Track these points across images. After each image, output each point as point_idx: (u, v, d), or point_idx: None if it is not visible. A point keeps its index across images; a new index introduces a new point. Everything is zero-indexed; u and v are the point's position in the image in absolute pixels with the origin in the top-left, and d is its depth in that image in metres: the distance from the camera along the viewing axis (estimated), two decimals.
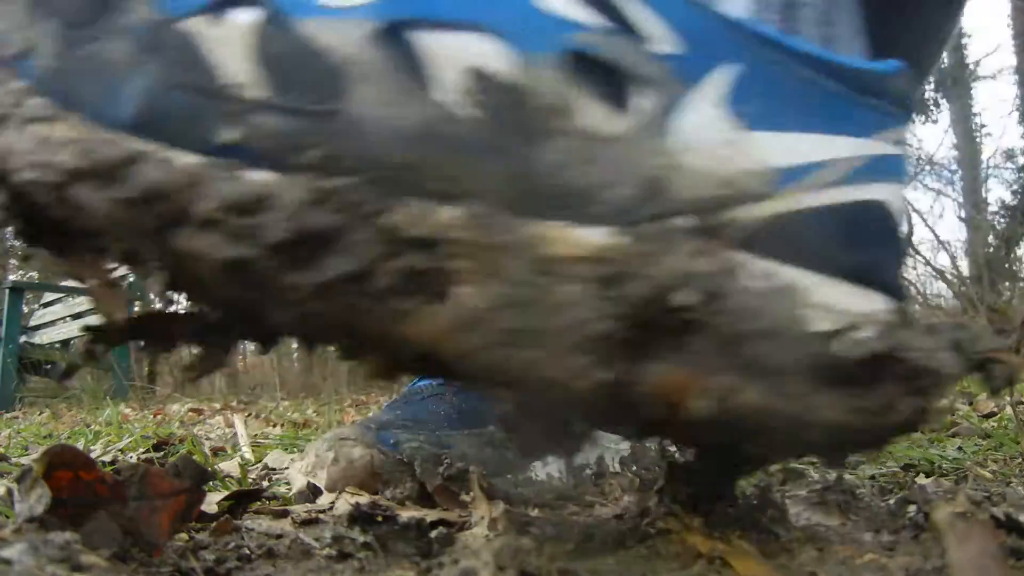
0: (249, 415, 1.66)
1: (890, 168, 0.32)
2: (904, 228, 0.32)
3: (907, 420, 0.29)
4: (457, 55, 0.27)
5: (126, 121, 0.27)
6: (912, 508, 0.39)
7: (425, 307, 0.26)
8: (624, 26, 0.29)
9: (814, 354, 0.27)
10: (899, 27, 0.41)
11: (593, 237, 0.26)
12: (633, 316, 0.26)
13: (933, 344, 0.29)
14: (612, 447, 0.53)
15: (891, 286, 0.31)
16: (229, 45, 0.28)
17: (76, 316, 3.66)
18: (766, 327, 0.26)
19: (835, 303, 0.28)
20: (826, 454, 0.33)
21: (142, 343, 0.31)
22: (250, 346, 0.34)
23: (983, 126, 7.95)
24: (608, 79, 0.28)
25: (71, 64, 0.28)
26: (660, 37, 0.29)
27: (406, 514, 0.38)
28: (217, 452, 0.83)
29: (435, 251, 0.26)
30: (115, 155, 0.26)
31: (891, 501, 0.44)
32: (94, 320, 0.32)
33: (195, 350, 0.31)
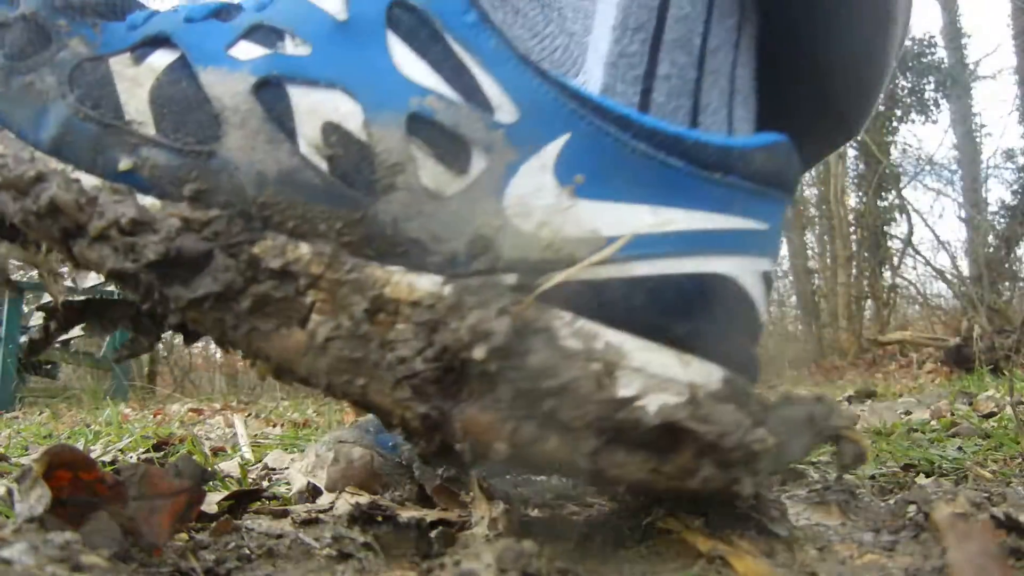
0: (249, 415, 1.66)
1: (740, 243, 0.32)
2: (760, 305, 0.32)
3: (722, 488, 0.29)
4: (318, 110, 0.31)
5: (46, 143, 0.32)
6: (912, 508, 0.39)
7: (281, 330, 0.30)
8: (474, 94, 0.31)
9: (606, 416, 0.28)
10: (821, 54, 0.40)
11: (424, 284, 0.29)
12: (442, 361, 0.29)
13: (745, 419, 0.29)
14: None
15: (731, 357, 0.31)
16: (138, 86, 0.32)
17: None
18: (561, 386, 0.28)
19: (651, 369, 0.29)
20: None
21: (84, 324, 0.35)
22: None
23: (983, 126, 7.97)
24: (450, 142, 0.30)
25: (10, 90, 0.33)
26: (502, 107, 0.31)
27: (406, 514, 0.38)
28: (217, 452, 0.83)
29: (292, 282, 0.30)
30: (29, 173, 0.31)
31: (891, 501, 0.44)
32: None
33: (131, 334, 0.36)
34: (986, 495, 0.44)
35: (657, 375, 0.29)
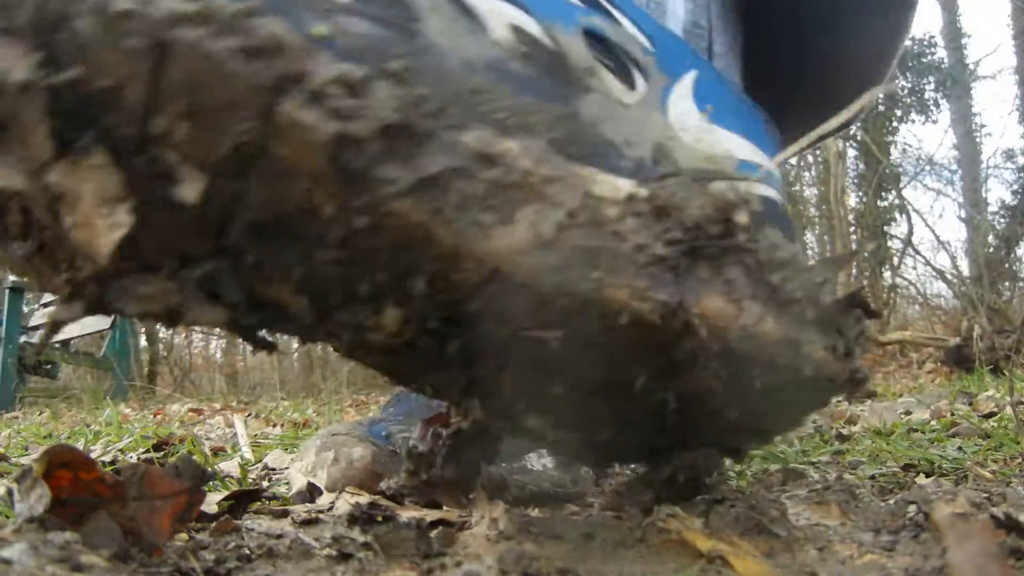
0: (249, 415, 1.66)
1: (775, 180, 0.39)
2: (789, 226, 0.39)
3: (850, 377, 0.34)
4: (499, 13, 0.31)
5: None
6: (912, 508, 0.39)
7: (505, 225, 0.27)
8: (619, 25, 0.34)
9: (813, 291, 0.32)
10: (830, 57, 0.46)
11: (624, 185, 0.30)
12: (685, 241, 0.30)
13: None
14: None
15: None
16: None
17: None
18: (786, 258, 0.31)
19: None
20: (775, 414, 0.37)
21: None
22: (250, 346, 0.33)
23: (983, 126, 7.95)
24: (619, 59, 0.33)
25: None
26: (642, 40, 0.34)
27: (406, 514, 0.38)
28: (217, 452, 0.83)
29: (509, 174, 0.28)
30: (231, 7, 0.24)
31: (891, 501, 0.44)
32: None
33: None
34: (986, 495, 0.44)
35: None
